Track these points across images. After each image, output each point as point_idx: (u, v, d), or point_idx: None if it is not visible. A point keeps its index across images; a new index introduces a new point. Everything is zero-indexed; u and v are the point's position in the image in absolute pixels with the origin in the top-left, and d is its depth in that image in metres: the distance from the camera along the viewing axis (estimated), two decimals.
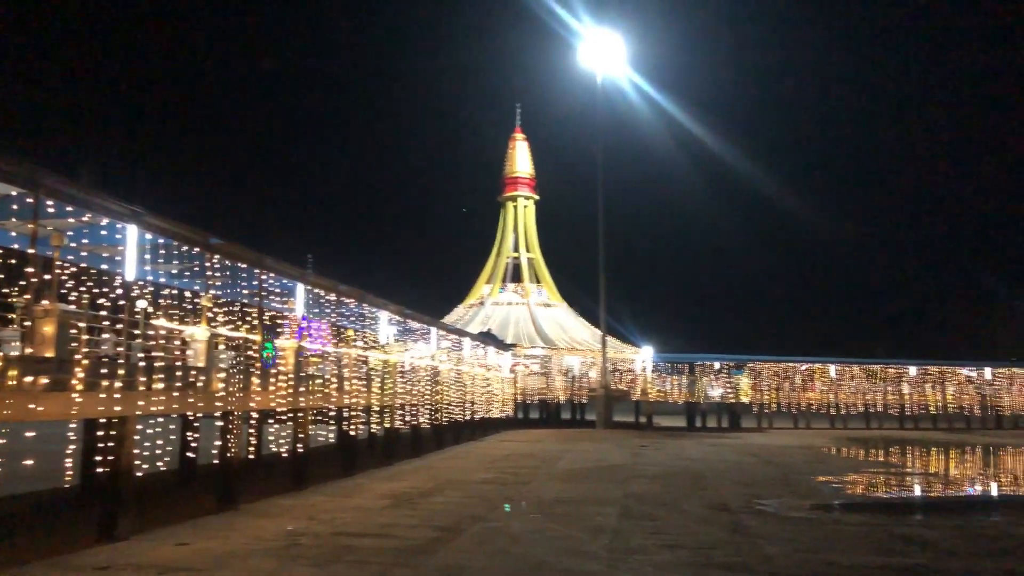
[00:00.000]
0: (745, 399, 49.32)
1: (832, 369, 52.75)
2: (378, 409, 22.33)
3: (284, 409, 16.38)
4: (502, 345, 44.56)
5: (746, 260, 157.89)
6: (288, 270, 16.76)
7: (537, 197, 64.35)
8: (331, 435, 23.75)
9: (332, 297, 19.67)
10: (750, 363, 51.58)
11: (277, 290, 17.70)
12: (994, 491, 22.40)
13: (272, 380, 15.84)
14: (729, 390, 49.47)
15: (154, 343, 12.53)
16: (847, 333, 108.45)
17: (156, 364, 12.27)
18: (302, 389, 17.18)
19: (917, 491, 21.21)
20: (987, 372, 54.94)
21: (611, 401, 44.78)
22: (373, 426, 22.95)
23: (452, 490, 16.49)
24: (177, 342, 13.47)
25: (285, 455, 17.41)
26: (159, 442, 14.09)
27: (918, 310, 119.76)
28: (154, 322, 13.11)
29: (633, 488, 17.44)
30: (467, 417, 31.93)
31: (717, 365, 51.55)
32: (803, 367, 52.79)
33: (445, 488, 16.78)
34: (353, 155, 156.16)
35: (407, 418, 24.66)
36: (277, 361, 16.26)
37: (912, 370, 53.82)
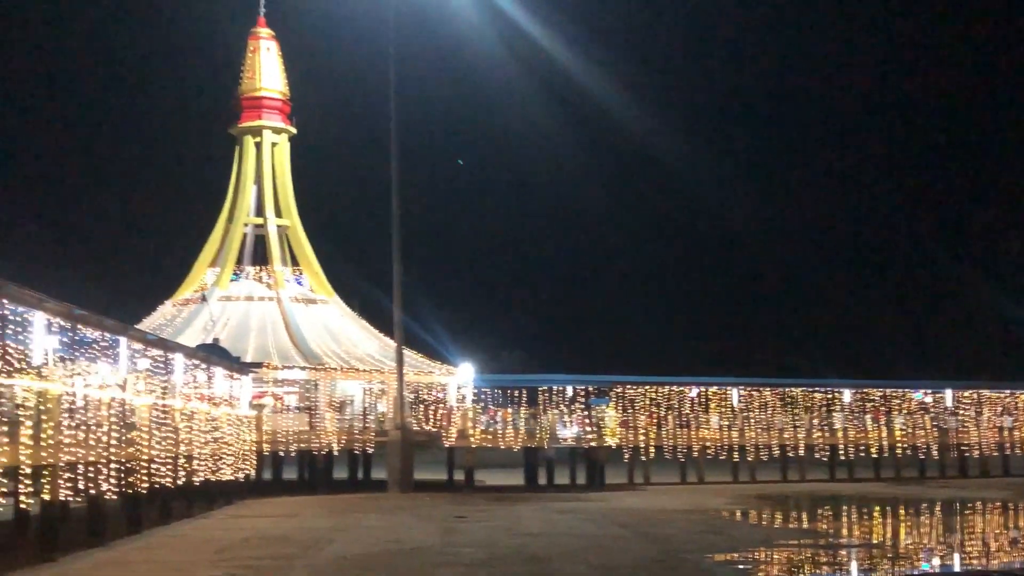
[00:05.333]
0: (611, 441, 50.88)
1: (735, 394, 55.46)
2: (30, 471, 21.30)
3: None
4: (238, 364, 43.66)
5: (614, 242, 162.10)
6: None
7: (294, 130, 63.31)
8: None
9: None
10: (618, 387, 53.28)
11: None
12: (956, 566, 24.41)
13: None
14: (588, 428, 50.85)
15: None
16: (756, 344, 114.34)
17: None
18: None
19: (854, 572, 22.74)
20: (947, 396, 59.64)
21: (411, 450, 44.84)
22: (23, 499, 21.88)
23: None
24: None
25: None
26: None
27: (858, 313, 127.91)
28: None
29: None
30: (181, 481, 31.12)
31: (570, 391, 52.88)
32: (693, 392, 55.15)
33: None
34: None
35: (81, 484, 23.70)
36: None
37: (847, 395, 57.55)
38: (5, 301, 20.92)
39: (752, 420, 54.77)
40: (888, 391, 58.66)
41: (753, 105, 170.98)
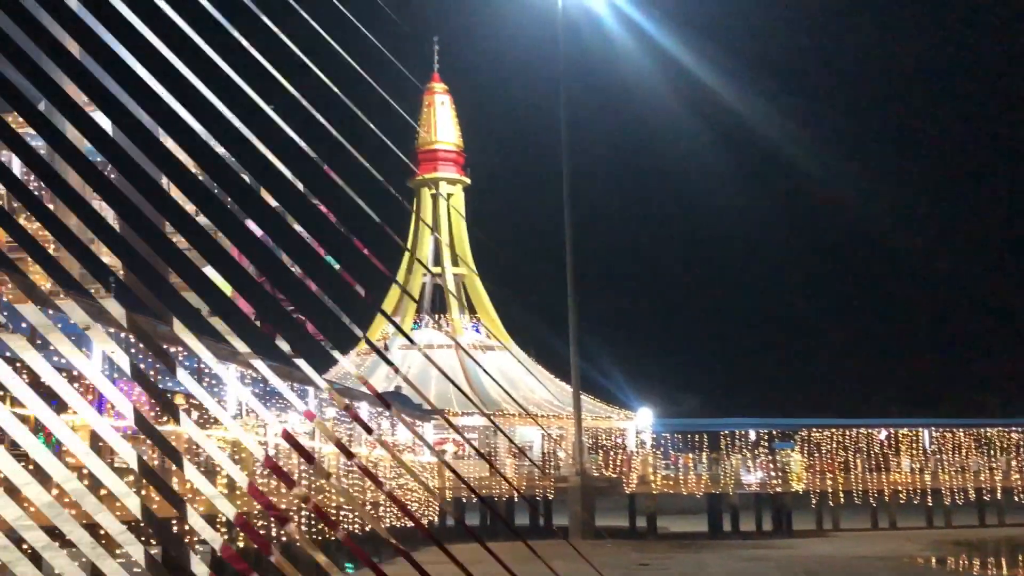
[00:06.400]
0: (798, 486, 49.94)
1: (926, 436, 53.79)
2: (226, 519, 21.95)
3: None
4: (419, 412, 44.28)
5: (792, 279, 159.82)
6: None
7: (468, 181, 64.45)
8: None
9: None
10: (803, 430, 52.29)
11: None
12: None
13: None
14: (773, 473, 50.03)
15: None
16: (945, 382, 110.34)
17: None
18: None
19: None
20: None
21: (592, 495, 44.74)
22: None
23: None
24: None
25: None
26: None
27: None
28: None
29: None
30: (367, 527, 31.59)
31: (753, 435, 52.12)
32: (883, 434, 53.71)
33: None
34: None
35: (273, 532, 24.30)
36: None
37: None
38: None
39: (945, 462, 53.02)
40: None
41: (924, 129, 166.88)
